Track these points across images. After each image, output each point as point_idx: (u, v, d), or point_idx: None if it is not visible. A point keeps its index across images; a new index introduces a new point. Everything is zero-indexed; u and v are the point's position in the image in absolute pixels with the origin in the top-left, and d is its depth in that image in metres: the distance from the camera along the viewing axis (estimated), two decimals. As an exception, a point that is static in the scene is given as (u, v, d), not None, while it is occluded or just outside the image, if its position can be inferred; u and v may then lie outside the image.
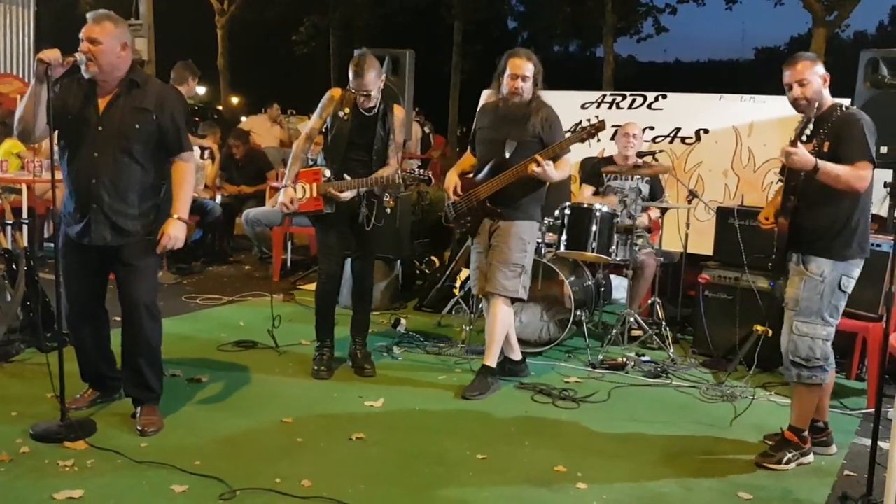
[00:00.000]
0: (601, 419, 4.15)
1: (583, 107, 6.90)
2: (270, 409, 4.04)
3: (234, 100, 25.87)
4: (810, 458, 3.68)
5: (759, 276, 5.03)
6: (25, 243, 5.09)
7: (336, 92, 4.61)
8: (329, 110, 4.56)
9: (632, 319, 5.53)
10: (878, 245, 4.40)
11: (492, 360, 4.48)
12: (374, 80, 4.39)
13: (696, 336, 5.44)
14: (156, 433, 3.63)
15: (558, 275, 5.24)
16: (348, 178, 4.40)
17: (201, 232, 7.83)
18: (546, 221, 5.21)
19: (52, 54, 3.33)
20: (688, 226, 5.66)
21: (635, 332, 5.56)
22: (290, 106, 15.32)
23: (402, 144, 4.79)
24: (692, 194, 5.71)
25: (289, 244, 7.76)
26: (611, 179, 5.92)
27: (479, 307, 5.09)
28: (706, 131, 6.50)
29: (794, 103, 3.56)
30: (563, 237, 5.28)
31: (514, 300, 4.46)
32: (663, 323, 5.47)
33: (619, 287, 6.28)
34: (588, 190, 5.96)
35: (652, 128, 6.56)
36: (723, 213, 5.40)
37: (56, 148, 3.56)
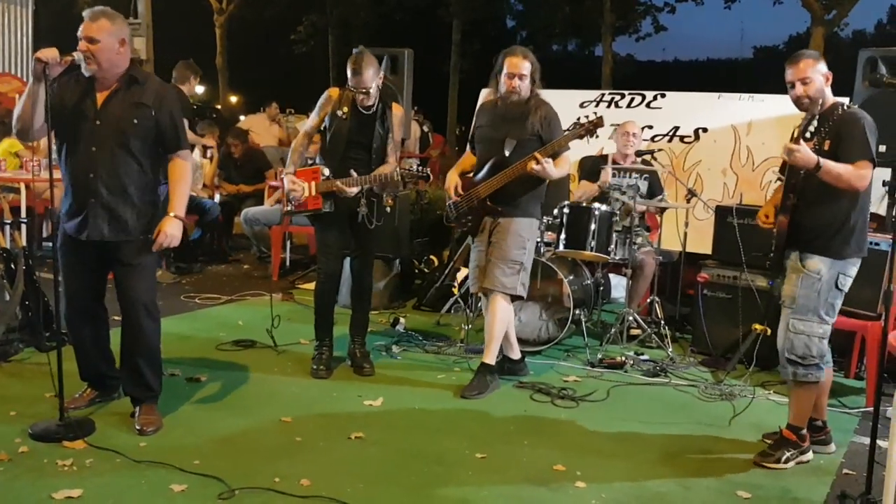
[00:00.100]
0: (600, 418, 4.15)
1: (581, 106, 6.90)
2: (269, 408, 4.04)
3: (233, 99, 25.85)
4: (809, 455, 3.68)
5: (757, 275, 5.04)
6: (24, 243, 5.09)
7: (334, 91, 4.61)
8: (327, 109, 4.56)
9: (631, 318, 5.53)
10: (877, 244, 4.40)
11: (491, 358, 4.48)
12: (372, 77, 4.39)
13: (694, 335, 5.44)
14: (155, 432, 3.62)
15: (557, 274, 5.24)
16: (354, 174, 4.39)
17: (200, 231, 7.82)
18: (545, 220, 5.21)
19: (49, 53, 3.33)
20: (686, 225, 5.67)
21: (634, 331, 5.56)
22: (288, 105, 15.33)
23: (401, 143, 4.79)
24: (691, 193, 5.72)
25: (287, 243, 7.76)
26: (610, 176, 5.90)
27: (479, 306, 5.09)
28: (705, 130, 6.50)
29: (797, 101, 3.56)
30: (562, 236, 5.27)
31: (513, 298, 4.46)
32: (662, 322, 5.47)
33: (618, 286, 6.29)
34: (586, 184, 5.95)
35: (651, 127, 6.57)
36: (721, 212, 5.40)
37: (54, 146, 3.56)
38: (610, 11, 22.12)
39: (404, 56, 6.34)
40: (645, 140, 6.23)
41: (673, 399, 4.53)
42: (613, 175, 5.86)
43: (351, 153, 4.51)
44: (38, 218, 7.37)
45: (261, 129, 11.54)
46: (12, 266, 4.71)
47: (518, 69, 4.32)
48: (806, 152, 3.34)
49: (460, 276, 6.01)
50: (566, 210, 5.29)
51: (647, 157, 5.83)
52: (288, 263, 7.67)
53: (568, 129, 4.45)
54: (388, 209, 4.77)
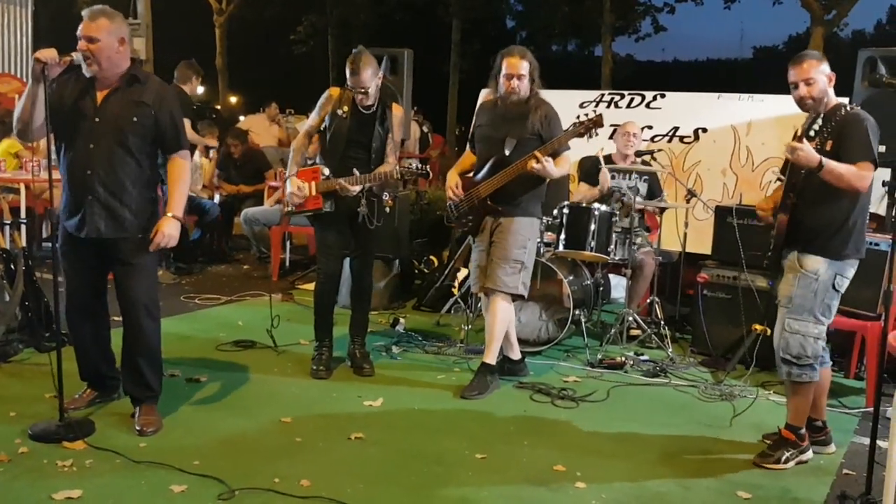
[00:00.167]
0: (600, 418, 4.15)
1: (581, 106, 6.89)
2: (269, 408, 4.04)
3: (233, 99, 25.84)
4: (809, 454, 3.68)
5: (757, 275, 5.03)
6: (24, 243, 5.09)
7: (334, 91, 4.61)
8: (327, 109, 4.56)
9: (630, 319, 5.53)
10: (877, 244, 4.41)
11: (491, 358, 4.48)
12: (371, 77, 4.39)
13: (694, 335, 5.44)
14: (154, 433, 3.62)
15: (557, 274, 5.24)
16: (357, 172, 4.39)
17: (200, 232, 7.82)
18: (545, 221, 5.21)
19: (48, 53, 3.34)
20: (686, 225, 5.67)
21: (634, 332, 5.56)
22: (288, 105, 15.33)
23: (401, 143, 4.79)
24: (691, 193, 5.72)
25: (287, 244, 7.76)
26: (609, 178, 5.91)
27: (478, 306, 5.09)
28: (704, 130, 6.50)
29: (800, 102, 3.56)
30: (562, 236, 5.27)
31: (514, 297, 4.46)
32: (662, 322, 5.47)
33: (618, 286, 6.29)
34: (585, 187, 5.96)
35: (650, 127, 6.57)
36: (721, 213, 5.40)
37: (54, 146, 3.56)
38: (609, 11, 22.12)
39: (404, 56, 6.34)
40: (645, 140, 6.24)
41: (673, 399, 4.53)
42: (613, 177, 5.87)
43: (351, 153, 4.51)
44: (37, 218, 7.37)
45: (260, 129, 11.53)
46: (12, 267, 4.72)
47: (516, 70, 4.31)
48: (809, 151, 3.34)
49: (460, 276, 6.02)
50: (566, 210, 5.29)
51: (647, 157, 5.83)
52: (288, 264, 7.67)
53: (568, 128, 4.45)
54: (388, 209, 4.76)
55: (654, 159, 5.84)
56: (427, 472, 3.41)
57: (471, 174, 4.58)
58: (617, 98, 6.91)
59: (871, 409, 3.92)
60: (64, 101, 3.51)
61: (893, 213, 5.19)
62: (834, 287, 3.53)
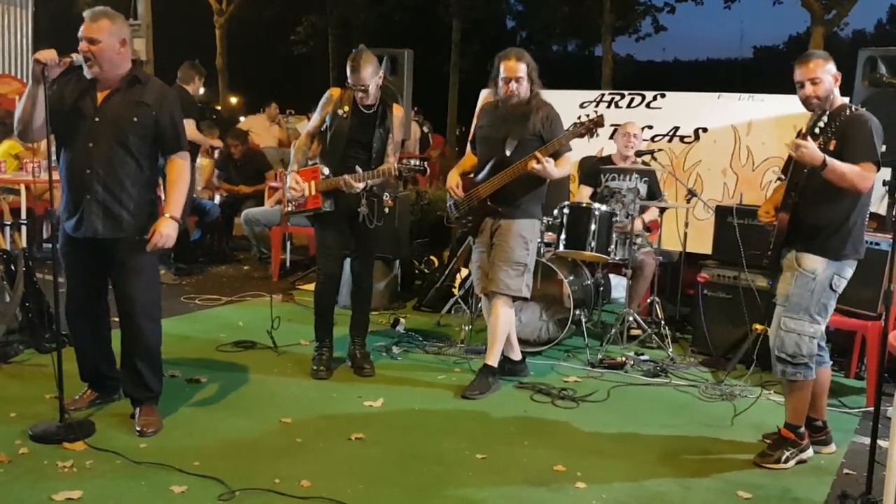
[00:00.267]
0: (600, 418, 4.15)
1: (581, 106, 6.89)
2: (269, 409, 4.04)
3: (233, 100, 25.84)
4: (809, 453, 3.68)
5: (757, 275, 5.03)
6: (24, 244, 5.09)
7: (335, 91, 4.62)
8: (328, 109, 4.56)
9: (631, 318, 5.53)
10: (877, 243, 4.40)
11: (493, 360, 4.48)
12: (371, 75, 4.40)
13: (695, 335, 5.44)
14: (155, 434, 3.62)
15: (557, 274, 5.23)
16: (360, 170, 4.39)
17: (200, 232, 7.82)
18: (545, 221, 5.21)
19: (48, 55, 3.34)
20: (686, 225, 5.66)
21: (634, 332, 5.55)
22: (288, 106, 15.33)
23: (401, 143, 4.79)
24: (691, 193, 5.72)
25: (288, 244, 7.76)
26: (609, 180, 5.92)
27: (479, 307, 5.09)
28: (705, 130, 6.50)
29: (805, 101, 3.55)
30: (562, 236, 5.27)
31: (516, 299, 4.46)
32: (662, 322, 5.47)
33: (618, 286, 6.29)
34: (586, 191, 5.96)
35: (650, 127, 6.56)
36: (721, 212, 5.39)
37: (54, 147, 3.56)
38: (610, 11, 22.12)
39: (404, 56, 6.34)
40: (645, 140, 6.23)
41: (673, 399, 4.53)
42: (613, 178, 5.87)
43: (351, 152, 4.51)
44: (38, 219, 7.37)
45: (261, 129, 11.54)
46: (12, 268, 4.72)
47: (514, 72, 4.31)
48: (812, 149, 3.33)
49: (460, 276, 6.02)
50: (566, 210, 5.29)
51: (647, 157, 5.84)
52: (288, 264, 7.67)
53: (569, 129, 4.45)
54: (388, 210, 4.76)
55: (655, 159, 5.84)
56: (427, 473, 3.41)
57: (472, 175, 4.58)
58: (617, 98, 6.91)
59: (871, 409, 3.92)
60: (64, 101, 3.51)
61: (894, 213, 5.19)
62: (831, 287, 3.53)
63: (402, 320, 5.69)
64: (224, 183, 8.55)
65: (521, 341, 4.92)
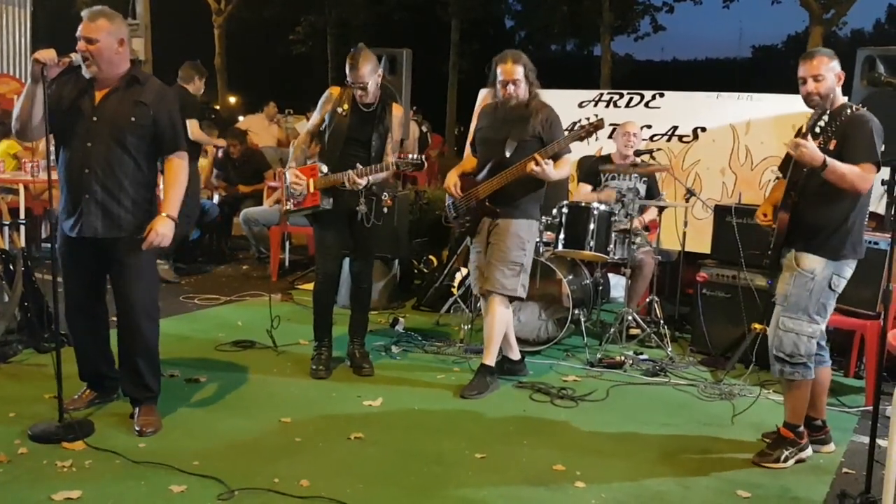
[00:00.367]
0: (599, 418, 4.15)
1: (580, 105, 6.90)
2: (269, 408, 4.04)
3: (232, 99, 25.86)
4: (808, 452, 3.68)
5: (756, 274, 5.04)
6: (23, 244, 5.09)
7: (335, 90, 4.62)
8: (328, 107, 4.57)
9: (630, 318, 5.53)
10: (876, 242, 4.40)
11: (491, 360, 4.48)
12: (370, 73, 4.40)
13: (694, 334, 5.44)
14: (154, 433, 3.62)
15: (556, 274, 5.24)
16: (360, 167, 4.38)
17: (199, 232, 7.82)
18: (544, 220, 5.21)
19: (47, 54, 3.33)
20: (685, 224, 5.67)
21: (633, 331, 5.56)
22: (287, 105, 15.34)
23: (400, 143, 4.79)
24: (690, 193, 5.72)
25: (287, 244, 7.76)
26: (608, 179, 5.92)
27: (478, 306, 5.09)
28: (703, 130, 6.50)
29: (807, 98, 3.55)
30: (561, 236, 5.28)
31: (512, 299, 4.46)
32: (661, 321, 5.47)
33: (618, 286, 6.29)
34: (586, 188, 5.97)
35: (649, 126, 6.56)
36: (720, 212, 5.40)
37: (52, 147, 3.56)
38: (608, 11, 22.17)
39: (403, 56, 6.33)
40: (644, 140, 6.23)
41: (672, 399, 4.53)
42: (613, 178, 5.88)
43: (350, 150, 4.50)
44: (36, 219, 7.37)
45: (259, 129, 11.53)
46: (11, 267, 4.71)
47: (511, 75, 4.32)
48: (813, 149, 3.33)
49: (459, 276, 6.01)
50: (565, 210, 5.29)
51: (646, 156, 5.84)
52: (287, 264, 7.67)
53: (567, 131, 4.45)
54: (387, 210, 4.76)
55: (654, 158, 5.84)
56: (427, 472, 3.41)
57: (471, 175, 4.58)
58: (616, 97, 6.91)
59: (870, 408, 3.92)
60: (63, 100, 3.51)
61: (893, 212, 5.19)
62: (830, 287, 3.53)
63: (401, 320, 5.69)
64: (223, 183, 8.54)
65: (520, 341, 4.92)
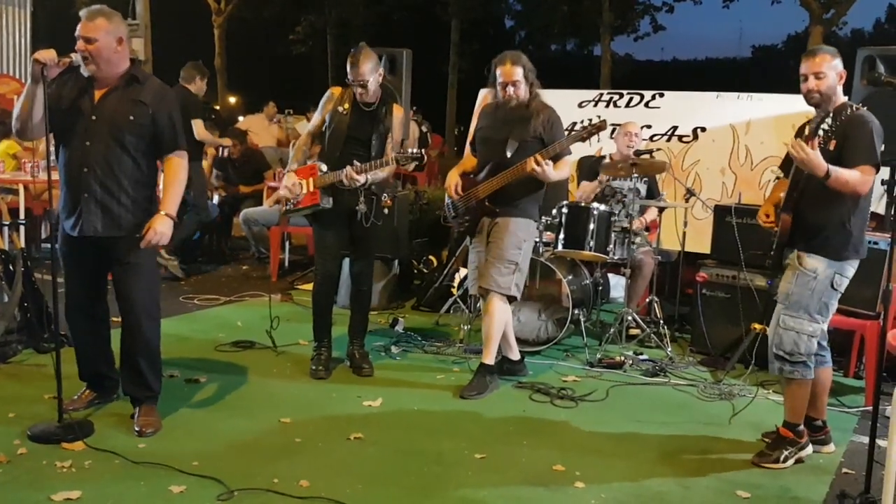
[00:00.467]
0: (599, 418, 4.15)
1: (580, 105, 6.90)
2: (268, 409, 4.03)
3: (232, 99, 25.85)
4: (809, 450, 3.68)
5: (756, 274, 5.03)
6: (22, 244, 5.09)
7: (336, 90, 4.63)
8: (329, 107, 4.57)
9: (630, 318, 5.53)
10: (876, 242, 4.40)
11: (490, 358, 4.48)
12: (371, 71, 4.40)
13: (693, 334, 5.44)
14: (154, 434, 3.62)
15: (556, 274, 5.23)
16: (357, 164, 4.38)
17: (199, 232, 7.81)
18: (544, 220, 5.21)
19: (47, 55, 3.34)
20: (685, 224, 5.67)
21: (633, 331, 5.56)
22: (287, 105, 15.33)
23: (400, 143, 4.80)
24: (690, 193, 5.72)
25: (286, 244, 7.76)
26: (609, 180, 5.92)
27: (478, 306, 5.09)
28: (703, 130, 6.50)
29: (807, 95, 3.54)
30: (561, 236, 5.28)
31: (510, 298, 4.46)
32: (661, 321, 5.47)
33: (617, 286, 6.29)
34: (587, 185, 5.96)
35: (649, 126, 6.57)
36: (720, 212, 5.40)
37: (52, 147, 3.56)
38: (608, 11, 22.18)
39: (402, 56, 6.33)
40: (644, 140, 6.24)
41: (672, 399, 4.53)
42: (614, 178, 5.87)
43: (350, 149, 4.50)
44: (36, 220, 7.37)
45: (259, 129, 11.52)
46: (11, 268, 4.71)
47: (510, 77, 4.32)
48: (818, 159, 3.30)
49: (459, 276, 6.01)
50: (565, 210, 5.29)
51: (646, 156, 5.83)
52: (287, 264, 7.67)
53: (567, 131, 4.45)
54: (387, 210, 4.76)
55: (654, 159, 5.84)
56: (426, 473, 3.41)
57: (471, 175, 4.58)
58: (616, 97, 6.91)
59: (870, 408, 3.92)
60: (62, 99, 3.51)
61: (893, 212, 5.19)
62: (833, 286, 3.53)
63: (400, 320, 5.69)
64: (222, 183, 8.54)
65: (520, 341, 4.92)
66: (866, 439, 3.19)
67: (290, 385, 4.45)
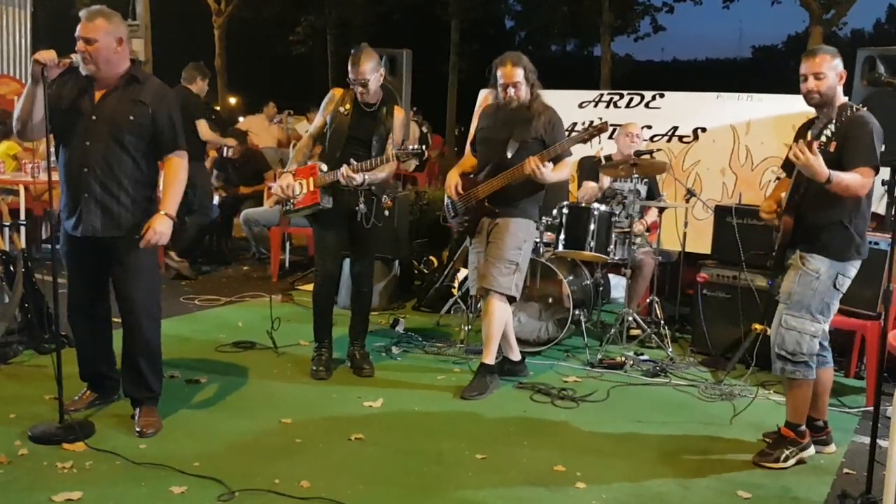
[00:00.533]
0: (600, 418, 4.15)
1: (580, 106, 6.90)
2: (269, 409, 4.03)
3: (232, 100, 25.84)
4: (811, 451, 3.68)
5: (757, 275, 5.03)
6: (23, 245, 5.09)
7: (338, 91, 4.64)
8: (330, 108, 4.58)
9: (630, 318, 5.53)
10: (877, 243, 4.40)
11: (490, 359, 4.48)
12: (371, 70, 4.40)
13: (694, 335, 5.44)
14: (154, 434, 3.62)
15: (557, 274, 5.23)
16: (355, 162, 4.38)
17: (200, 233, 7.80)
18: (544, 221, 5.21)
19: (47, 55, 3.34)
20: (686, 225, 5.67)
21: (634, 332, 5.55)
22: (287, 106, 15.33)
23: (401, 144, 4.80)
24: (690, 193, 5.72)
25: (287, 244, 7.76)
26: (612, 181, 5.91)
27: (478, 307, 5.08)
28: (704, 130, 6.50)
29: (807, 95, 3.53)
30: (562, 236, 5.28)
31: (509, 298, 4.46)
32: (662, 322, 5.47)
33: (618, 286, 6.29)
34: (589, 184, 5.95)
35: (649, 127, 6.57)
36: (721, 212, 5.40)
37: (53, 148, 3.56)
38: (608, 11, 22.16)
39: (403, 56, 6.33)
40: (644, 140, 6.24)
41: (673, 399, 4.53)
42: (614, 179, 5.87)
43: (350, 149, 4.49)
44: (37, 220, 7.36)
45: (260, 129, 11.51)
46: (11, 268, 4.71)
47: (511, 78, 4.32)
48: (819, 164, 3.28)
49: (459, 276, 6.01)
50: (565, 210, 5.29)
51: (647, 157, 5.83)
52: (287, 264, 7.67)
53: (567, 132, 4.45)
54: (387, 211, 4.76)
55: (654, 159, 5.84)
56: (427, 473, 3.41)
57: (471, 175, 4.58)
58: (616, 98, 6.91)
59: (871, 409, 3.92)
60: (62, 99, 3.51)
61: (893, 212, 5.19)
62: (835, 286, 3.53)
63: (401, 320, 5.69)
64: (223, 183, 8.54)
65: (521, 341, 4.92)
66: (867, 440, 3.19)
67: (291, 386, 4.45)
